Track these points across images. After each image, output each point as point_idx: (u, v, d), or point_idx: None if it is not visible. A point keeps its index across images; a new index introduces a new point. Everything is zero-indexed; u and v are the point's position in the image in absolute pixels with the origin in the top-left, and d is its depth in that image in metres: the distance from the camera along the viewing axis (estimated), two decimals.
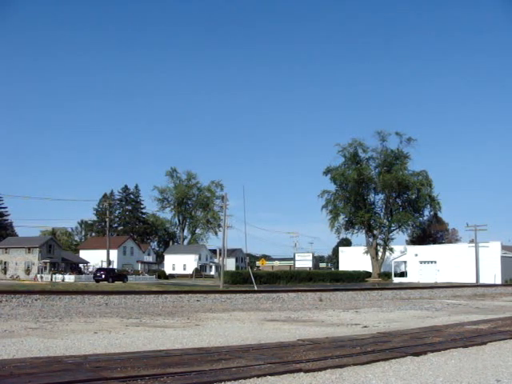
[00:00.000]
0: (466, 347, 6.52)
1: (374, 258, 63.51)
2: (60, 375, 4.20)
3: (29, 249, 71.64)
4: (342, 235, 68.71)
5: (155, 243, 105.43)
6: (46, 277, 57.28)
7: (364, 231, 64.33)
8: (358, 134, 76.78)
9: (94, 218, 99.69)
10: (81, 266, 75.48)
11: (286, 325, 9.45)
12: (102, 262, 68.32)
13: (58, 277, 56.10)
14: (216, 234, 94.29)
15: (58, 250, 74.00)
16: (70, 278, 55.82)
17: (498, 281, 52.56)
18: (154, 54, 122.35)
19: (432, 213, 66.38)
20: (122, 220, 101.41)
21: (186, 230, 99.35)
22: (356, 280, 58.86)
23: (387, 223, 64.24)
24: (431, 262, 61.57)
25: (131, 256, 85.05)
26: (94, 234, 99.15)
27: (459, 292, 25.34)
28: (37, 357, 5.30)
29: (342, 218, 64.55)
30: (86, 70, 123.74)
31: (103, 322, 9.17)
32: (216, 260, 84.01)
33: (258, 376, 4.50)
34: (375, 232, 64.25)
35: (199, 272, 76.21)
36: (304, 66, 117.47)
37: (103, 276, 47.50)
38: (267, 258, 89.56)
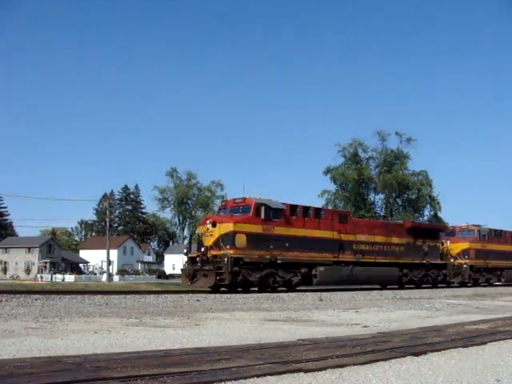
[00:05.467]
0: (465, 347, 6.52)
1: None
2: (60, 375, 4.20)
3: (29, 249, 71.65)
4: None
5: (155, 243, 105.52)
6: (46, 277, 57.33)
7: None
8: (357, 134, 76.80)
9: (94, 218, 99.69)
10: (81, 265, 75.50)
11: (286, 325, 9.45)
12: (102, 261, 68.30)
13: (58, 277, 56.16)
14: None
15: (58, 250, 74.00)
16: (70, 277, 55.81)
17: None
18: (154, 54, 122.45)
19: (432, 213, 66.52)
20: (122, 220, 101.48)
21: (186, 230, 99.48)
22: None
23: None
24: None
25: (131, 256, 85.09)
26: (94, 234, 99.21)
27: (459, 292, 25.35)
28: (37, 357, 5.30)
29: None
30: (85, 69, 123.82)
31: (103, 322, 9.17)
32: None
33: (258, 376, 4.50)
34: None
35: None
36: (304, 65, 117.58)
37: None
38: None
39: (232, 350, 5.89)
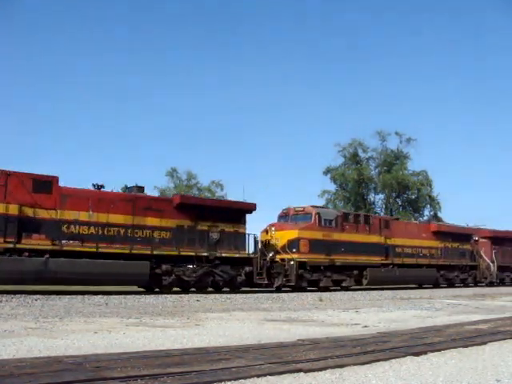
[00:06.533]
0: (465, 347, 6.52)
1: None
2: (60, 375, 4.20)
3: None
4: None
5: None
6: None
7: None
8: (357, 134, 76.82)
9: None
10: None
11: (286, 325, 9.46)
12: None
13: None
14: None
15: None
16: None
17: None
18: (154, 54, 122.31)
19: (432, 213, 66.47)
20: None
21: None
22: None
23: None
24: None
25: None
26: None
27: (459, 292, 25.37)
28: (37, 357, 5.30)
29: None
30: (86, 69, 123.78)
31: (103, 322, 9.18)
32: None
33: (258, 376, 4.50)
34: None
35: None
36: (303, 64, 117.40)
37: None
38: None
39: (232, 350, 5.90)
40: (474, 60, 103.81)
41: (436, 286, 30.47)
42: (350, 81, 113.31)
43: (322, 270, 23.95)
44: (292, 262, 22.62)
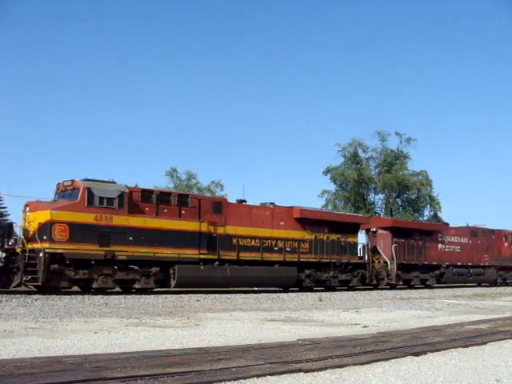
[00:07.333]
0: (466, 347, 6.52)
1: None
2: (60, 375, 4.21)
3: None
4: None
5: None
6: None
7: (364, 231, 64.14)
8: (357, 134, 77.02)
9: None
10: None
11: (286, 325, 9.46)
12: None
13: None
14: None
15: None
16: None
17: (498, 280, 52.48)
18: (154, 54, 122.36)
19: (432, 213, 66.49)
20: None
21: None
22: None
23: None
24: None
25: None
26: None
27: (459, 292, 25.36)
28: (37, 357, 5.31)
29: None
30: (86, 68, 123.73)
31: (103, 322, 9.18)
32: None
33: (258, 376, 4.50)
34: None
35: None
36: (303, 64, 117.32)
37: None
38: None
39: (232, 349, 5.90)
40: (474, 60, 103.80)
41: (301, 289, 23.25)
42: (350, 81, 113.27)
43: (95, 265, 17.65)
44: (41, 254, 16.61)
